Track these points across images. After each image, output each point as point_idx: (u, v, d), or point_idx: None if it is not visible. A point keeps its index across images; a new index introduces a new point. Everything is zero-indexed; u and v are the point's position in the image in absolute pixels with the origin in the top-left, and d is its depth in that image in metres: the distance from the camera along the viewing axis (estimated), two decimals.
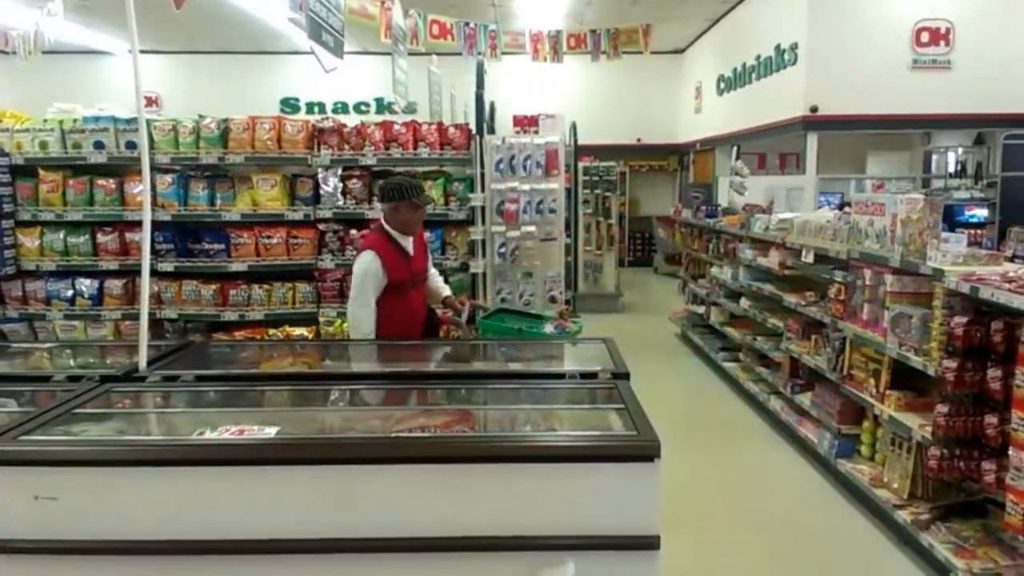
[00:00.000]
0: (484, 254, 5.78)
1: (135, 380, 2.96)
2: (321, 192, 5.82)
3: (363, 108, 16.14)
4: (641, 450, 2.16)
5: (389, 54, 7.87)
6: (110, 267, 5.87)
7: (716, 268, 8.17)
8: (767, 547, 4.35)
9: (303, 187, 5.89)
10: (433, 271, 4.60)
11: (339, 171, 5.83)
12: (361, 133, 5.89)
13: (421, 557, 2.17)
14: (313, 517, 2.17)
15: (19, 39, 8.50)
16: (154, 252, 5.68)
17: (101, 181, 5.84)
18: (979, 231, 8.90)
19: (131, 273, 5.87)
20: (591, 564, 2.17)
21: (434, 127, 5.98)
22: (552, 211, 5.76)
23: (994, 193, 9.23)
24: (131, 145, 5.77)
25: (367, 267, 4.03)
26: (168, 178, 5.79)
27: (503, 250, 5.71)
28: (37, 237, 5.86)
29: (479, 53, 9.95)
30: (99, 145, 5.79)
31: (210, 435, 2.33)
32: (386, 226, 4.20)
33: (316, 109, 16.09)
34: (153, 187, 5.63)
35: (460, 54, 10.21)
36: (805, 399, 5.60)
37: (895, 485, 4.36)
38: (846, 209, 5.53)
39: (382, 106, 15.62)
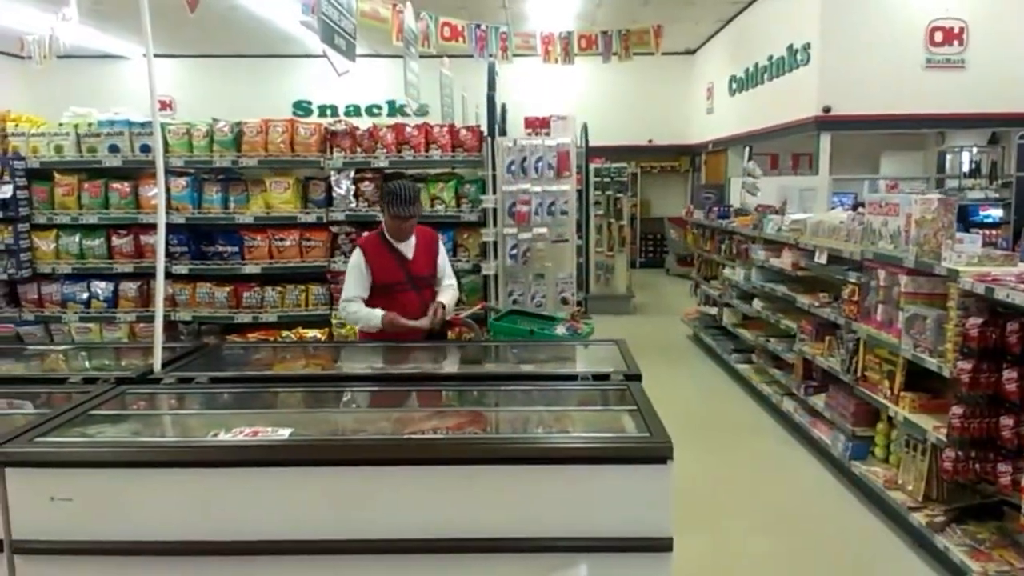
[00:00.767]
0: (496, 256, 5.78)
1: (150, 382, 2.99)
2: (334, 194, 5.84)
3: (375, 111, 16.19)
4: (654, 452, 2.16)
5: (401, 57, 7.89)
6: (125, 270, 5.91)
7: (728, 269, 8.14)
8: (781, 549, 4.33)
9: (316, 190, 5.91)
10: (447, 282, 4.42)
11: (351, 173, 5.85)
12: (373, 136, 5.90)
13: (433, 558, 2.18)
14: (326, 518, 2.18)
15: (35, 44, 8.58)
16: (168, 255, 5.72)
17: (116, 184, 5.89)
18: (994, 231, 8.82)
19: (146, 276, 5.90)
20: (604, 566, 2.17)
21: (446, 129, 5.99)
22: (564, 213, 5.76)
23: (1009, 193, 9.16)
24: (146, 149, 5.81)
25: (352, 262, 4.17)
26: (182, 181, 5.82)
27: (515, 252, 5.71)
28: (53, 240, 5.90)
29: (490, 55, 9.96)
30: (114, 149, 5.83)
31: (224, 437, 2.34)
32: (383, 227, 4.21)
33: (328, 112, 16.15)
34: (167, 190, 5.67)
35: (471, 56, 10.22)
36: (819, 401, 5.58)
37: (910, 487, 4.34)
38: (860, 210, 5.50)
39: (394, 109, 15.68)
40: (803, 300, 5.88)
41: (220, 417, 2.81)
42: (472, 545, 2.16)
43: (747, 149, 10.79)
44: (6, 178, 5.68)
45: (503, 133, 6.14)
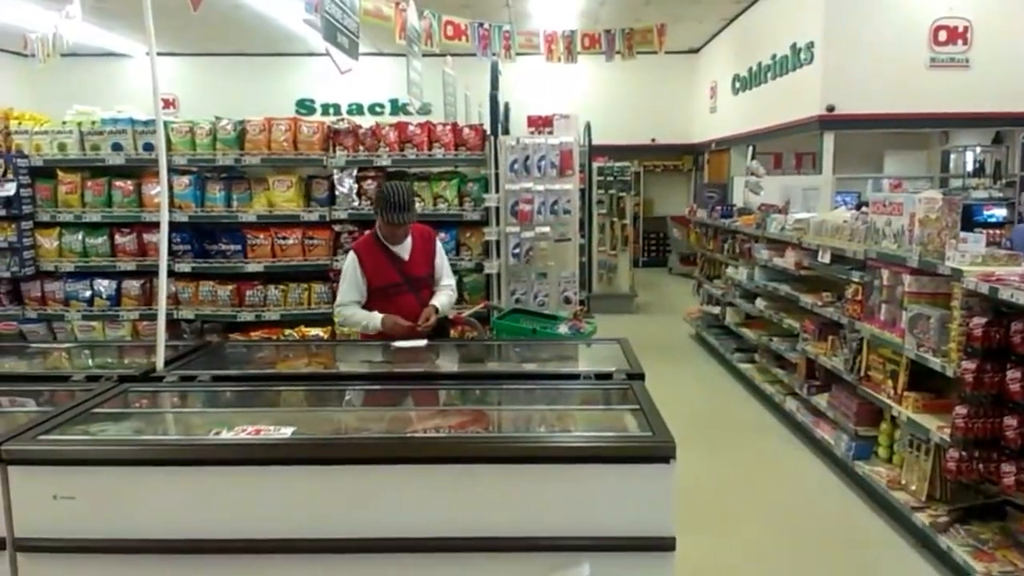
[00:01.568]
0: (498, 255, 5.78)
1: (153, 380, 2.99)
2: (336, 193, 5.84)
3: (378, 109, 16.20)
4: (656, 451, 2.16)
5: (404, 55, 7.88)
6: (128, 268, 5.91)
7: (731, 268, 8.13)
8: (783, 549, 4.32)
9: (319, 188, 5.91)
10: (444, 282, 4.39)
11: (354, 172, 5.85)
12: (376, 134, 5.90)
13: (435, 558, 2.18)
14: (329, 517, 2.18)
15: (38, 42, 8.57)
16: (171, 253, 5.72)
17: (119, 183, 5.89)
18: (998, 231, 8.81)
19: (149, 274, 5.91)
20: (606, 565, 2.16)
21: (448, 128, 5.98)
22: (566, 211, 5.76)
23: (1013, 192, 9.15)
24: (149, 147, 5.81)
25: (346, 266, 4.15)
26: (185, 179, 5.82)
27: (517, 251, 5.70)
28: (56, 238, 5.91)
29: (493, 54, 9.95)
30: (117, 147, 5.84)
31: (227, 435, 2.34)
32: (378, 228, 4.16)
33: (331, 110, 16.16)
34: (170, 188, 5.67)
35: (474, 55, 10.21)
36: (822, 400, 5.57)
37: (913, 487, 4.33)
38: (863, 209, 5.49)
39: (397, 107, 15.67)
40: (806, 299, 5.87)
41: (222, 415, 2.81)
42: (475, 544, 2.16)
43: (750, 148, 10.77)
44: (9, 176, 5.68)
45: (506, 132, 6.14)
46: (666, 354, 8.86)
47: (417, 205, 4.70)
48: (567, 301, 5.77)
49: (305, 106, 16.22)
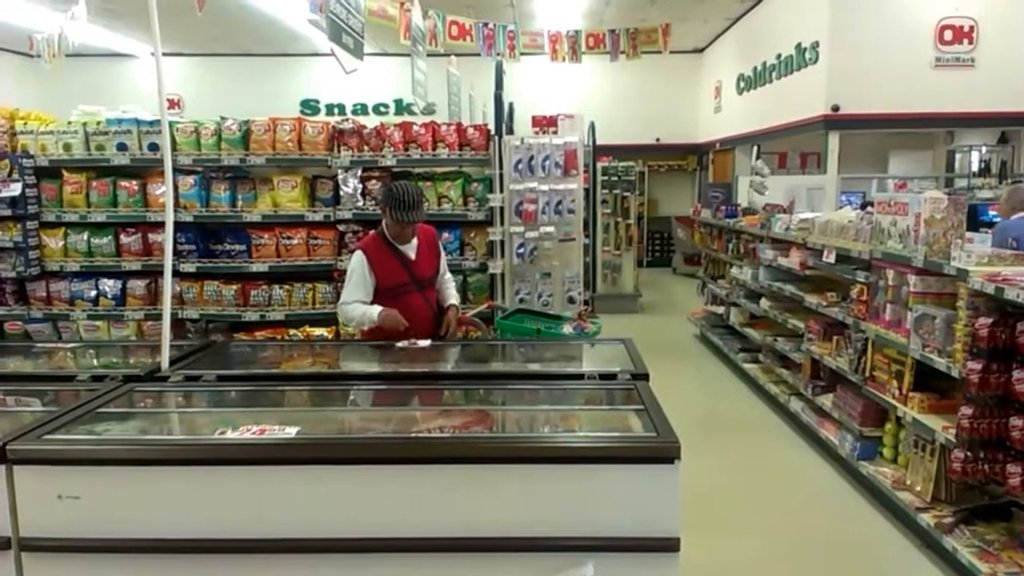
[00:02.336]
0: (503, 254, 5.78)
1: (157, 380, 2.99)
2: (341, 193, 5.84)
3: (382, 109, 16.20)
4: (661, 452, 2.15)
5: (408, 55, 7.88)
6: (133, 268, 5.92)
7: (736, 268, 8.12)
8: (788, 549, 4.32)
9: (323, 188, 5.92)
10: (447, 277, 4.46)
11: (359, 172, 5.85)
12: (380, 134, 5.90)
13: (439, 557, 2.18)
14: (333, 517, 2.18)
15: (43, 42, 8.60)
16: (176, 253, 5.73)
17: (124, 183, 5.90)
18: None
19: (153, 274, 5.92)
20: (611, 565, 2.16)
21: (453, 128, 5.98)
22: (571, 211, 5.75)
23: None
24: (154, 147, 5.82)
25: (353, 265, 4.07)
26: (190, 179, 5.83)
27: (522, 250, 5.70)
28: (61, 238, 5.92)
29: (498, 54, 9.95)
30: (122, 147, 5.85)
31: (231, 435, 2.34)
32: (383, 227, 4.16)
33: (336, 111, 16.17)
34: (175, 188, 5.68)
35: (479, 55, 10.21)
36: (826, 401, 5.56)
37: (918, 488, 4.32)
38: (868, 209, 5.48)
39: (401, 107, 15.70)
40: (811, 300, 5.86)
41: (227, 415, 2.82)
42: (479, 544, 2.16)
43: (755, 148, 10.76)
44: (15, 176, 5.70)
45: (510, 132, 6.13)
46: (670, 354, 8.85)
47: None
48: (571, 301, 5.76)
49: (310, 106, 16.24)
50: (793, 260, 6.30)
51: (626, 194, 11.99)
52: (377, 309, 3.96)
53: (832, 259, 5.47)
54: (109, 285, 5.95)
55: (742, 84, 13.32)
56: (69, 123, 5.97)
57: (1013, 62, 9.31)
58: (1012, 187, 6.36)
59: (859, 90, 9.42)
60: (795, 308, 6.48)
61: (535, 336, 4.31)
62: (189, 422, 2.88)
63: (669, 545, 2.14)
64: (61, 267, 5.93)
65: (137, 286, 5.94)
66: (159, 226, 5.78)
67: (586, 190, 9.45)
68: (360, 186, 5.83)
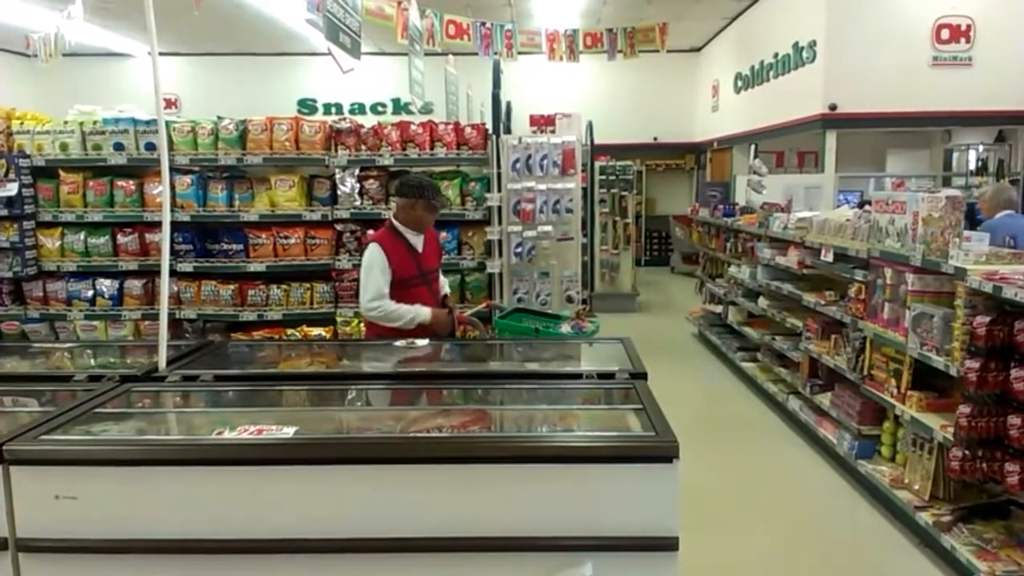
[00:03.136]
0: (501, 254, 5.78)
1: (155, 380, 2.98)
2: (338, 192, 5.84)
3: (380, 109, 16.19)
4: (660, 451, 2.15)
5: (406, 55, 7.87)
6: (130, 268, 5.92)
7: (734, 267, 8.12)
8: (787, 548, 4.32)
9: (321, 188, 5.91)
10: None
11: (356, 171, 5.85)
12: (378, 133, 5.90)
13: (437, 557, 2.17)
14: (331, 517, 2.17)
15: (40, 41, 8.58)
16: (173, 253, 5.72)
17: (121, 182, 5.89)
18: None
19: (151, 273, 5.91)
20: (610, 565, 2.16)
21: (451, 127, 5.98)
22: (569, 211, 5.75)
23: (1016, 191, 9.11)
24: (151, 146, 5.81)
25: (373, 258, 4.09)
26: (187, 179, 5.82)
27: (520, 250, 5.70)
28: (58, 238, 5.91)
29: (495, 53, 9.95)
30: (119, 147, 5.84)
31: (229, 435, 2.33)
32: (396, 222, 4.22)
33: (333, 110, 16.15)
34: (172, 188, 5.67)
35: (476, 54, 10.21)
36: (824, 399, 5.56)
37: (916, 486, 4.32)
38: (866, 207, 5.48)
39: (399, 106, 15.67)
40: (809, 298, 5.86)
41: (225, 415, 2.81)
42: (477, 544, 2.16)
43: (752, 147, 10.76)
44: (11, 176, 5.69)
45: (508, 131, 6.13)
46: (669, 353, 8.85)
47: None
48: (569, 300, 5.76)
49: (307, 105, 16.22)
50: (791, 259, 6.30)
51: (624, 193, 11.98)
52: (427, 310, 4.08)
53: (830, 258, 5.47)
54: (106, 285, 5.94)
55: (739, 83, 13.32)
56: (66, 123, 5.96)
57: (1010, 60, 9.31)
58: (996, 186, 6.38)
59: (856, 89, 9.41)
60: (793, 307, 6.48)
61: (533, 335, 4.31)
62: (186, 422, 2.87)
63: (668, 544, 2.14)
64: (58, 267, 5.92)
65: (134, 286, 5.93)
66: (156, 226, 5.78)
67: (584, 189, 9.46)
68: (357, 185, 5.83)
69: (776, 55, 11.30)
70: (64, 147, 5.85)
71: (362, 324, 5.45)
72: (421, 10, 8.41)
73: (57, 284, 5.95)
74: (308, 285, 5.91)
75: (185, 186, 5.81)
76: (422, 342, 3.77)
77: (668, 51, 11.48)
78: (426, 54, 8.55)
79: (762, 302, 7.16)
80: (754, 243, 7.43)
